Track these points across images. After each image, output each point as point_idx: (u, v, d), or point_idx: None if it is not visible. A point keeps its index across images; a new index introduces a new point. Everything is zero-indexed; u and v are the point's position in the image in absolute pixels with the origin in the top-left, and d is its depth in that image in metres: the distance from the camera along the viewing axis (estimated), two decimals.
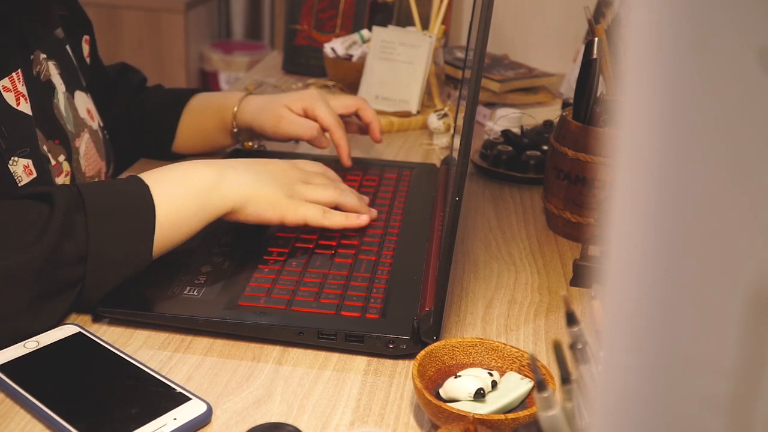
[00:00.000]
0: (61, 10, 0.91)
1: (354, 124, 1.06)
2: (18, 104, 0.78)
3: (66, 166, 0.84)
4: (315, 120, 0.98)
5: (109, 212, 0.67)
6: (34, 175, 0.78)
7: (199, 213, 0.72)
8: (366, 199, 0.88)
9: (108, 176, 0.95)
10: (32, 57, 0.83)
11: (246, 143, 1.06)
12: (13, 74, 0.78)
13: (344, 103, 1.03)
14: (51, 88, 0.85)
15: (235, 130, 1.02)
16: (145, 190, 0.69)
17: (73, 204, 0.66)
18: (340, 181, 0.86)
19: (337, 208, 0.82)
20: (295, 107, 0.98)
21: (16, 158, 0.76)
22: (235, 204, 0.74)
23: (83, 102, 0.91)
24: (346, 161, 0.98)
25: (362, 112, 1.03)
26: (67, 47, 0.91)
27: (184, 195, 0.71)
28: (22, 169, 0.77)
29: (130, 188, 0.70)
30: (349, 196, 0.83)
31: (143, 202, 0.69)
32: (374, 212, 0.86)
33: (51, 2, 0.88)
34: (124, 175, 1.02)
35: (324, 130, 0.98)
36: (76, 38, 0.95)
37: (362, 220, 0.82)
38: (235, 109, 1.01)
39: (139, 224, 0.68)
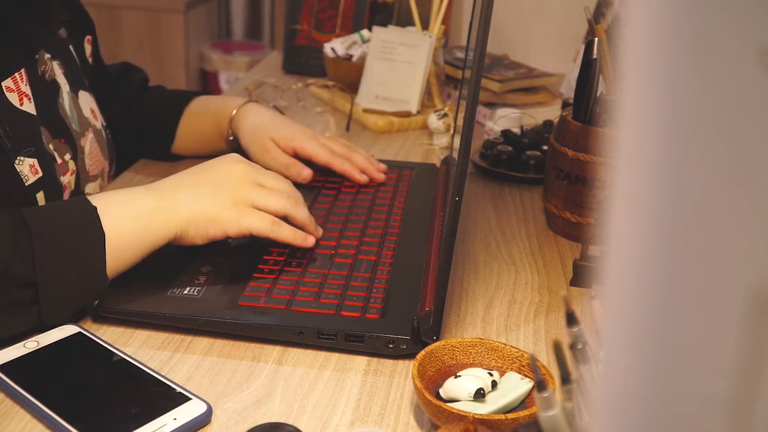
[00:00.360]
0: (62, 12, 0.91)
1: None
2: (21, 104, 0.78)
3: (72, 165, 0.84)
4: (308, 159, 0.97)
5: (55, 234, 0.65)
6: (40, 174, 0.78)
7: (142, 241, 0.69)
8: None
9: (110, 176, 0.96)
10: (37, 57, 0.83)
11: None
12: (16, 74, 0.78)
13: (334, 147, 0.99)
14: (56, 87, 0.85)
15: (231, 138, 1.01)
16: (92, 210, 0.67)
17: (19, 229, 0.64)
18: (297, 194, 0.80)
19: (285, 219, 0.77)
20: (284, 145, 0.96)
21: (22, 158, 0.76)
22: (177, 230, 0.70)
23: (87, 101, 0.91)
24: (361, 179, 0.97)
25: (355, 157, 0.99)
26: (71, 47, 0.92)
27: (124, 222, 0.68)
28: (28, 169, 0.77)
29: (77, 210, 0.68)
30: (301, 210, 0.77)
31: (91, 223, 0.66)
32: (320, 232, 0.81)
33: (51, 3, 0.88)
34: (124, 176, 1.02)
35: (321, 166, 0.97)
36: (79, 38, 0.96)
37: (309, 241, 0.77)
38: (233, 114, 1.00)
39: (88, 243, 0.66)
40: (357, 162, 0.96)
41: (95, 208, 0.67)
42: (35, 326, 0.65)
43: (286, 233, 0.75)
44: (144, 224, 0.69)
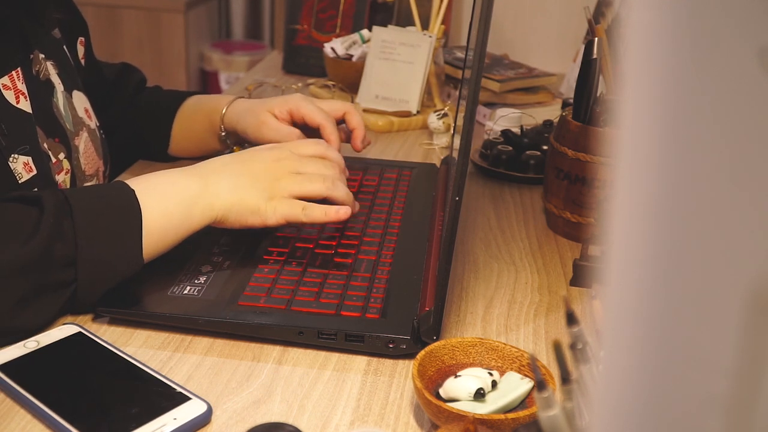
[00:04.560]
0: (57, 12, 0.91)
1: (342, 131, 1.01)
2: (18, 102, 0.78)
3: (66, 164, 0.84)
4: (303, 121, 0.95)
5: (96, 217, 0.67)
6: (34, 172, 0.78)
7: (184, 223, 0.72)
8: (346, 173, 0.85)
9: (106, 176, 0.95)
10: (32, 56, 0.83)
11: (234, 147, 1.03)
12: (13, 73, 0.78)
13: (332, 106, 0.99)
14: (50, 87, 0.85)
15: (223, 133, 1.00)
16: (131, 194, 0.70)
17: (61, 208, 0.66)
18: (339, 163, 0.83)
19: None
20: (279, 111, 0.95)
21: (16, 155, 0.76)
22: (218, 214, 0.73)
23: (81, 102, 0.91)
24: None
25: (349, 117, 0.99)
26: (65, 47, 0.92)
27: (169, 204, 0.71)
28: (22, 167, 0.77)
29: (116, 193, 0.70)
30: (339, 189, 0.79)
31: (129, 206, 0.69)
32: (357, 206, 0.82)
33: (47, 4, 0.88)
34: (122, 177, 1.02)
35: (314, 128, 0.95)
36: (72, 40, 0.96)
37: (341, 213, 0.77)
38: (223, 111, 0.99)
39: (126, 227, 0.68)
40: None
41: (133, 191, 0.70)
42: (70, 307, 0.68)
43: (317, 214, 0.76)
44: (187, 208, 0.72)
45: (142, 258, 0.69)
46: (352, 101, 1.30)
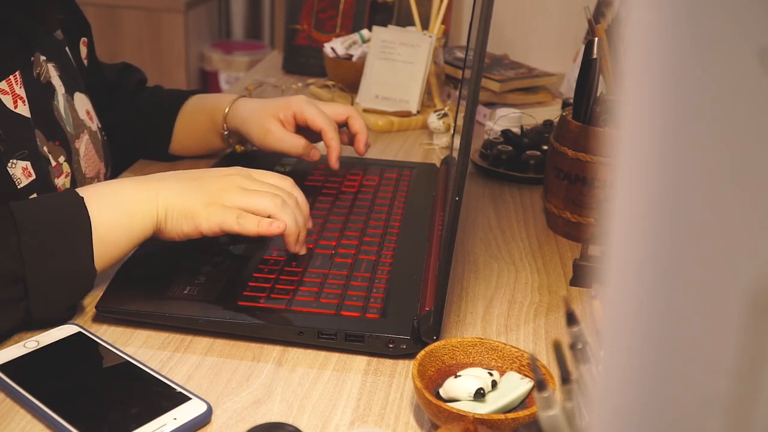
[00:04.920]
0: (60, 13, 0.91)
1: (343, 134, 1.01)
2: (16, 107, 0.78)
3: (66, 167, 0.84)
4: (306, 124, 0.95)
5: (42, 229, 0.65)
6: (33, 176, 0.78)
7: (127, 232, 0.69)
8: (306, 208, 0.78)
9: (107, 177, 0.95)
10: (32, 59, 0.83)
11: (237, 147, 1.04)
12: (11, 77, 0.78)
13: (335, 110, 0.99)
14: (51, 89, 0.85)
15: (225, 132, 1.00)
16: (79, 201, 0.67)
17: (6, 224, 0.64)
18: (300, 200, 0.77)
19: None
20: (283, 115, 0.95)
21: (14, 161, 0.76)
22: (158, 221, 0.70)
23: (82, 103, 0.91)
24: (334, 164, 0.95)
25: (352, 121, 0.99)
26: (67, 49, 0.91)
27: (111, 212, 0.68)
28: (21, 171, 0.77)
29: (64, 202, 0.68)
30: (285, 213, 0.73)
31: (77, 215, 0.67)
32: (309, 223, 0.78)
33: (50, 4, 0.88)
34: (123, 176, 1.02)
35: (316, 131, 0.95)
36: (75, 40, 0.95)
37: (274, 226, 0.71)
38: (226, 110, 0.99)
39: (75, 236, 0.66)
40: (354, 138, 0.94)
41: (82, 198, 0.68)
42: (25, 323, 0.65)
43: (250, 225, 0.71)
44: (128, 215, 0.69)
45: (94, 269, 0.67)
46: (352, 101, 1.30)
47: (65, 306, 0.67)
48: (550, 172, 0.91)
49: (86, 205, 0.67)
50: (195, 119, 1.04)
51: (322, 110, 0.96)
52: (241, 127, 0.98)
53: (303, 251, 0.77)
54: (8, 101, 0.77)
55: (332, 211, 0.90)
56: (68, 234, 0.66)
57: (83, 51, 0.97)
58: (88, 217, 0.67)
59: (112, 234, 0.68)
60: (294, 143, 0.94)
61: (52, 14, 0.89)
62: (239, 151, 1.04)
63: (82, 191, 0.69)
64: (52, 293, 0.65)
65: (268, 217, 0.72)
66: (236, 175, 0.75)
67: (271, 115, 0.95)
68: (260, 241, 0.80)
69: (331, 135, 0.94)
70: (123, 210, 0.69)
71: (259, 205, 0.72)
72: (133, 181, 0.72)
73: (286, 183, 0.78)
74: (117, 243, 0.69)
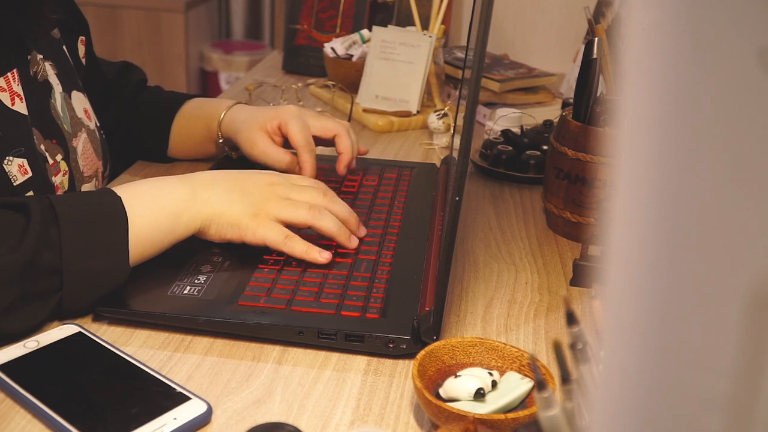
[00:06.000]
0: (55, 12, 0.91)
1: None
2: (13, 104, 0.78)
3: (63, 166, 0.84)
4: (287, 137, 0.94)
5: (82, 225, 0.66)
6: (30, 174, 0.78)
7: (170, 232, 0.71)
8: (354, 216, 0.81)
9: (105, 176, 0.95)
10: (29, 57, 0.83)
11: (232, 153, 1.03)
12: (8, 74, 0.78)
13: (324, 125, 0.96)
14: (48, 88, 0.85)
15: (220, 140, 1.00)
16: (118, 202, 0.69)
17: (48, 216, 0.65)
18: (333, 199, 0.80)
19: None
20: (270, 127, 0.94)
21: (10, 158, 0.76)
22: (202, 225, 0.73)
23: (80, 102, 0.91)
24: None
25: (338, 140, 0.96)
26: (64, 48, 0.91)
27: (156, 212, 0.70)
28: (17, 169, 0.77)
29: (103, 201, 0.69)
30: (325, 220, 0.77)
31: (116, 215, 0.68)
32: (363, 231, 0.82)
33: (44, 3, 0.88)
34: (121, 178, 1.02)
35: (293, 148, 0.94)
36: (73, 39, 0.95)
37: (322, 257, 0.75)
38: (221, 117, 0.99)
39: (112, 237, 0.67)
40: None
41: (120, 199, 0.69)
42: (56, 315, 0.67)
43: (298, 249, 0.75)
44: (173, 217, 0.71)
45: (128, 267, 0.69)
46: (352, 101, 1.30)
47: (93, 300, 0.68)
48: (550, 172, 0.91)
49: (129, 204, 0.69)
50: (191, 125, 1.03)
51: (307, 126, 0.94)
52: (233, 136, 0.98)
53: (355, 243, 0.80)
54: (5, 98, 0.77)
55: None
56: (107, 232, 0.67)
57: (81, 50, 0.97)
58: (126, 216, 0.68)
59: (154, 233, 0.70)
60: (277, 158, 0.93)
61: (46, 14, 0.88)
62: (235, 158, 1.04)
63: (122, 191, 0.71)
64: (85, 288, 0.67)
65: (309, 227, 0.77)
66: (278, 184, 0.78)
67: (259, 127, 0.95)
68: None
69: (304, 158, 0.92)
70: (168, 212, 0.71)
71: (300, 218, 0.76)
72: (181, 183, 0.74)
73: (320, 187, 0.81)
74: (158, 241, 0.71)
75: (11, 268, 0.62)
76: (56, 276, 0.65)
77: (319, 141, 0.96)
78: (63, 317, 0.68)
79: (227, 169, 0.80)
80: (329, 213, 0.78)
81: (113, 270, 0.68)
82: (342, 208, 0.80)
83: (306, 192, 0.79)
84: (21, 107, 0.79)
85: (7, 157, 0.76)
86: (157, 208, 0.71)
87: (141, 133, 1.06)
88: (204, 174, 0.77)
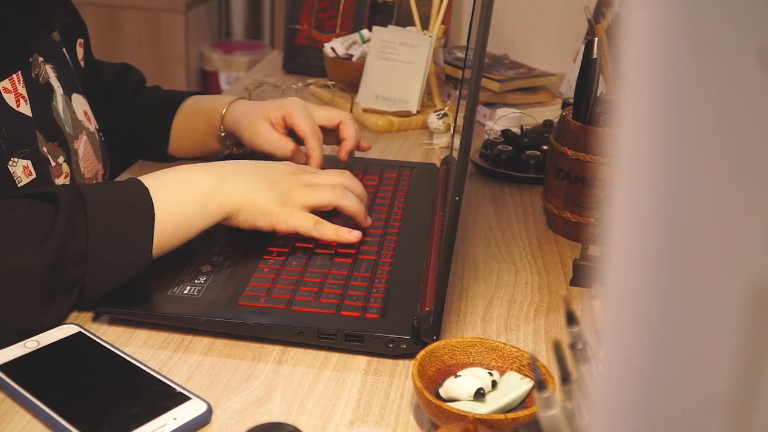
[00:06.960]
0: (62, 15, 0.91)
1: (335, 137, 1.00)
2: (18, 105, 0.78)
3: (65, 168, 0.84)
4: (293, 127, 0.94)
5: (109, 213, 0.67)
6: (34, 176, 0.78)
7: (197, 220, 0.72)
8: (365, 198, 0.85)
9: (105, 178, 0.95)
10: (31, 60, 0.83)
11: (234, 149, 1.03)
12: (14, 76, 0.78)
13: (328, 114, 0.98)
14: (50, 90, 0.85)
15: (223, 134, 1.00)
16: (145, 193, 0.70)
17: (76, 204, 0.66)
18: (350, 181, 0.83)
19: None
20: (274, 117, 0.94)
21: (15, 159, 0.76)
22: (231, 211, 0.74)
23: (80, 105, 0.91)
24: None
25: (342, 126, 0.98)
26: (64, 50, 0.91)
27: (183, 200, 0.72)
28: (21, 170, 0.77)
29: (130, 190, 0.70)
30: (348, 199, 0.81)
31: (143, 204, 0.69)
32: (369, 220, 0.85)
33: (53, 6, 0.88)
34: (122, 177, 1.02)
35: (300, 137, 0.94)
36: (72, 42, 0.95)
37: (353, 236, 0.79)
38: (223, 111, 0.99)
39: (138, 225, 0.68)
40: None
41: (147, 189, 0.70)
42: (76, 305, 0.68)
43: (328, 232, 0.78)
44: (201, 205, 0.72)
45: (150, 258, 0.69)
46: (352, 101, 1.30)
47: (112, 289, 0.69)
48: (550, 172, 0.91)
49: (156, 195, 0.70)
50: (192, 121, 1.03)
51: (312, 116, 0.95)
52: (235, 127, 0.98)
53: (369, 221, 0.84)
54: (11, 99, 0.77)
55: (332, 211, 0.89)
56: (133, 223, 0.68)
57: (80, 52, 0.97)
58: (153, 208, 0.69)
59: (181, 222, 0.71)
60: (281, 145, 0.94)
61: (54, 15, 0.89)
62: (237, 153, 1.04)
63: (149, 180, 0.72)
64: (106, 277, 0.67)
65: (333, 207, 0.80)
66: (299, 173, 0.81)
67: (262, 116, 0.95)
68: (260, 241, 0.80)
69: (312, 145, 0.93)
70: (195, 201, 0.72)
71: (325, 200, 0.79)
72: (207, 171, 0.75)
73: (336, 172, 0.84)
74: (187, 230, 0.72)
75: (42, 265, 0.63)
76: (81, 265, 0.66)
77: (322, 131, 0.97)
78: (81, 307, 0.69)
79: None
80: (350, 192, 0.81)
81: (135, 261, 0.68)
82: (360, 188, 0.84)
83: (326, 175, 0.82)
84: (26, 109, 0.79)
85: (12, 159, 0.76)
86: (185, 197, 0.72)
87: (141, 133, 1.06)
88: (227, 162, 0.78)
